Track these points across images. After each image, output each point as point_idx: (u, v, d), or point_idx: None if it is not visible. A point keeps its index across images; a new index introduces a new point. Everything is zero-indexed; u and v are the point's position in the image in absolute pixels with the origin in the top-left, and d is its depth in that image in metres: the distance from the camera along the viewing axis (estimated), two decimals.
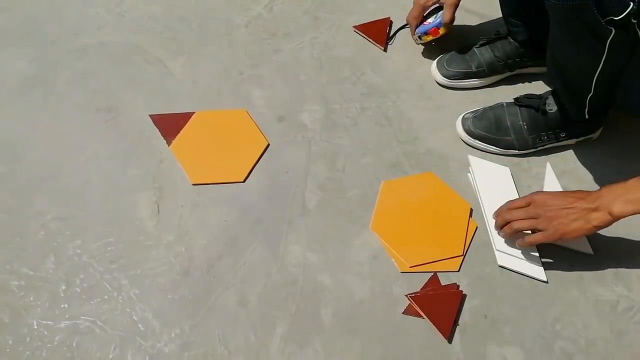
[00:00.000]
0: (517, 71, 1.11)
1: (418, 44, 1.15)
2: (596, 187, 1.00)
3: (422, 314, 0.86)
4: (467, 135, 1.03)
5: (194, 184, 0.98)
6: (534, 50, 1.06)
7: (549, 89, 1.02)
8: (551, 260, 0.92)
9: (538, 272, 0.90)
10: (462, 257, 0.92)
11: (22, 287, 0.88)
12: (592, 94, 0.85)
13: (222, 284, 0.89)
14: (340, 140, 1.05)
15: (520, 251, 0.91)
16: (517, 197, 0.95)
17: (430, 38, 1.10)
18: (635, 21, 0.69)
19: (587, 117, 0.92)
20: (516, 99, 1.03)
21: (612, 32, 0.72)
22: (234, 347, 0.84)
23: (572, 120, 0.97)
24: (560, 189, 0.98)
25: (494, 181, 0.99)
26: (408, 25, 1.14)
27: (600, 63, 0.79)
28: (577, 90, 0.88)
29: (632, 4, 0.68)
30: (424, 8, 1.10)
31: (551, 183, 0.99)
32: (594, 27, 0.73)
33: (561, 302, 0.89)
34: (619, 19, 0.70)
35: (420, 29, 1.11)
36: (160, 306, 0.87)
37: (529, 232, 0.86)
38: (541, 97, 1.01)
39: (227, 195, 0.98)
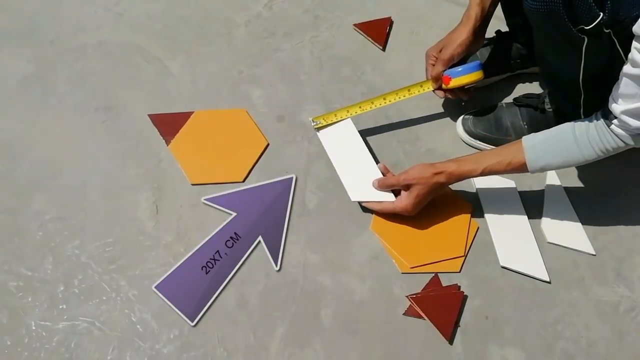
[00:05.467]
0: (517, 71, 1.11)
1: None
2: (596, 186, 1.00)
3: (422, 315, 0.85)
4: (467, 135, 1.03)
5: (193, 184, 0.98)
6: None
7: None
8: (553, 261, 0.91)
9: (540, 271, 0.89)
10: (463, 257, 0.91)
11: (21, 288, 0.88)
12: (584, 96, 0.86)
13: (221, 284, 0.88)
14: None
15: (521, 250, 0.91)
16: (364, 145, 0.98)
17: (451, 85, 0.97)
18: (608, 31, 0.69)
19: (582, 117, 0.92)
20: (515, 99, 1.03)
21: (585, 40, 0.73)
22: (234, 348, 0.83)
23: (570, 120, 0.96)
24: (562, 189, 0.98)
25: (340, 141, 0.99)
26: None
27: (580, 69, 0.80)
28: (568, 93, 0.88)
29: (602, 14, 0.68)
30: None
31: (553, 182, 0.99)
32: (568, 34, 0.73)
33: (562, 302, 0.88)
34: (589, 28, 0.70)
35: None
36: (159, 307, 0.86)
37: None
38: (539, 96, 1.01)
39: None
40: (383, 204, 0.92)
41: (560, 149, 0.81)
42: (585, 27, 0.71)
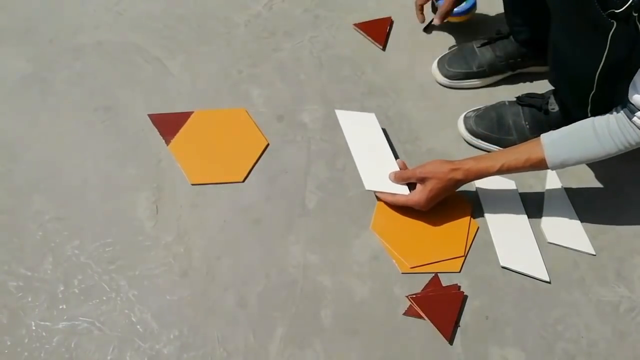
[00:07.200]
0: (518, 71, 1.11)
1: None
2: (597, 186, 0.99)
3: (423, 315, 0.85)
4: (469, 134, 1.03)
5: (192, 184, 0.98)
6: (536, 49, 1.05)
7: (550, 88, 1.01)
8: (553, 261, 0.91)
9: (540, 271, 0.89)
10: (464, 257, 0.91)
11: (20, 288, 0.87)
12: (595, 91, 0.85)
13: (221, 285, 0.88)
14: (341, 140, 1.03)
15: (521, 250, 0.91)
16: (385, 141, 1.00)
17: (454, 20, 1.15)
18: (636, 14, 0.69)
19: (589, 115, 0.92)
20: (518, 98, 1.02)
21: (613, 25, 0.72)
22: (233, 348, 0.83)
23: (575, 120, 0.96)
24: (562, 189, 0.98)
25: (361, 130, 1.01)
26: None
27: (602, 58, 0.78)
28: (579, 88, 0.87)
29: None
30: None
31: (553, 182, 0.99)
32: (596, 20, 0.72)
33: (563, 303, 0.88)
34: (620, 12, 0.69)
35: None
36: (159, 307, 0.86)
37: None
38: (543, 97, 1.00)
39: (226, 196, 0.97)
40: (396, 196, 0.91)
41: (580, 143, 0.80)
42: (616, 11, 0.70)
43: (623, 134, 0.76)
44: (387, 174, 0.94)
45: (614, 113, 0.78)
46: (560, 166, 0.83)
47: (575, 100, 0.90)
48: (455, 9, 1.11)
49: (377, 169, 0.95)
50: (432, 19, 1.12)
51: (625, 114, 0.76)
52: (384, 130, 1.03)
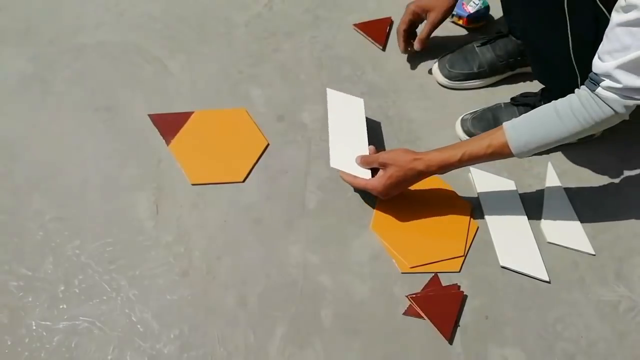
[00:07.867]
0: (518, 70, 1.11)
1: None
2: (596, 186, 1.00)
3: (422, 314, 0.85)
4: (466, 136, 1.03)
5: (193, 184, 0.98)
6: None
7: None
8: (553, 261, 0.91)
9: (540, 271, 0.89)
10: (463, 257, 0.91)
11: (21, 288, 0.87)
12: (580, 78, 0.84)
13: (222, 285, 0.88)
14: None
15: (521, 250, 0.91)
16: (364, 126, 0.99)
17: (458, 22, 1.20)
18: None
19: None
20: (513, 99, 1.03)
21: None
22: (234, 348, 0.83)
23: None
24: (562, 189, 0.98)
25: (345, 112, 1.01)
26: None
27: (568, 35, 0.78)
28: (561, 76, 0.87)
29: None
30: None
31: (552, 182, 0.99)
32: None
33: (562, 302, 0.88)
34: None
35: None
36: (159, 307, 0.86)
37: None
38: (536, 95, 1.01)
39: (226, 196, 0.97)
40: (357, 179, 0.91)
41: (541, 124, 0.78)
42: None
43: (587, 110, 0.74)
44: (355, 156, 0.94)
45: (576, 91, 0.76)
46: (524, 150, 0.80)
47: (565, 94, 0.91)
48: (472, 14, 1.17)
49: (347, 149, 0.95)
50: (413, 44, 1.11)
51: (588, 88, 0.74)
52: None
